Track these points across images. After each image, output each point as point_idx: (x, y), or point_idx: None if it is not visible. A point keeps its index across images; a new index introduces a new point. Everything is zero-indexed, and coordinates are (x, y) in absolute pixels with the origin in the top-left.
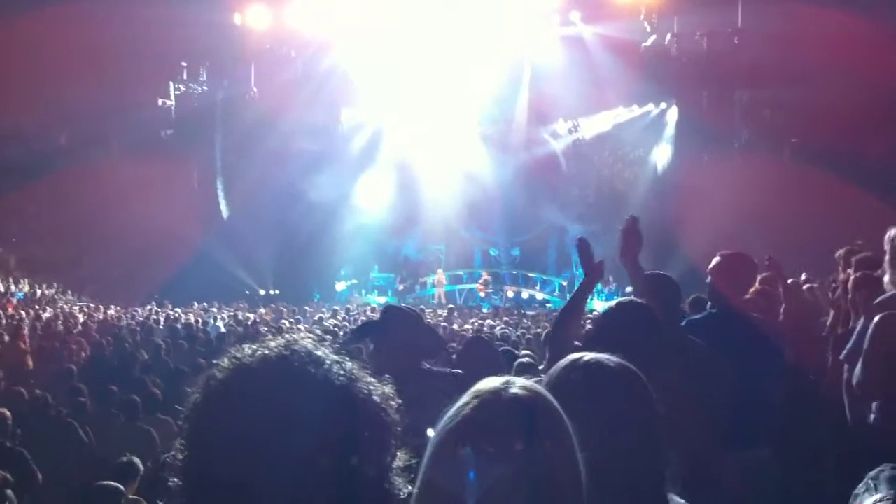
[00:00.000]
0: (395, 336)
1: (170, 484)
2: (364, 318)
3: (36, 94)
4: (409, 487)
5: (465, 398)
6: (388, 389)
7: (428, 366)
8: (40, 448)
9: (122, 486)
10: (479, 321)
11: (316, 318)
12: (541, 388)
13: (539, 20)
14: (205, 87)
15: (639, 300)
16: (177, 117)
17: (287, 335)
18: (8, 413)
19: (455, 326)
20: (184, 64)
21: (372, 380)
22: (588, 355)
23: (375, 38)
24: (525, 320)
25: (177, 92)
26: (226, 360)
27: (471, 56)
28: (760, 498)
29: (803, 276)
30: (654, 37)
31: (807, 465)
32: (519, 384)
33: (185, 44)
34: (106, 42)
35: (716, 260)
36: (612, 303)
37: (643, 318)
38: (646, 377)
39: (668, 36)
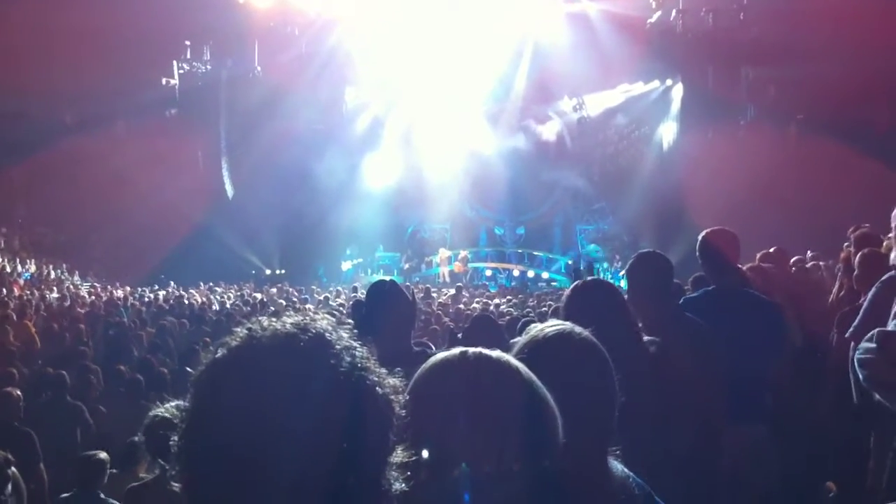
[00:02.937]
0: (385, 317)
1: (170, 444)
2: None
3: (41, 73)
4: (403, 485)
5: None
6: (397, 382)
7: (419, 348)
8: (47, 428)
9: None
10: (486, 300)
11: (322, 297)
12: (498, 355)
13: None
14: (209, 66)
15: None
16: (181, 96)
17: (306, 314)
18: (18, 393)
19: (461, 306)
20: (187, 43)
21: (382, 370)
22: (555, 325)
23: (379, 16)
24: (532, 299)
25: (181, 71)
26: (240, 330)
27: (475, 34)
28: (756, 473)
29: (809, 254)
30: (659, 13)
31: (806, 443)
32: (472, 352)
33: (189, 23)
34: (110, 22)
35: (701, 237)
36: (578, 283)
37: (610, 296)
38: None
39: (674, 12)
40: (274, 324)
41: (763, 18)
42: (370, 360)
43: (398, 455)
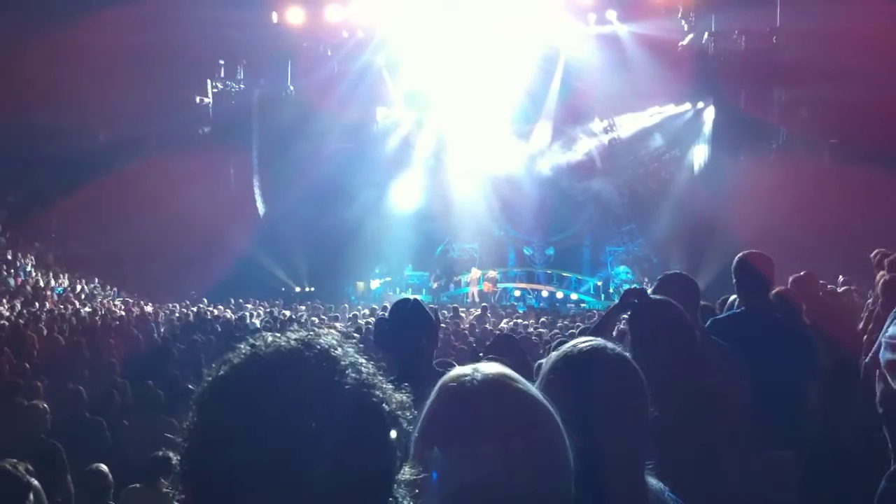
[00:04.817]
0: (407, 334)
1: (166, 461)
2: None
3: (76, 92)
4: (411, 503)
5: (433, 392)
6: (405, 398)
7: (441, 368)
8: (69, 443)
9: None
10: (515, 321)
11: (350, 315)
12: (509, 373)
13: (574, 18)
14: (242, 86)
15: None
16: (214, 115)
17: (311, 329)
18: (45, 406)
19: (488, 326)
20: (221, 62)
21: (387, 386)
22: (589, 341)
23: (410, 36)
24: (562, 320)
25: (214, 90)
26: (244, 346)
27: (505, 53)
28: (779, 499)
29: (840, 279)
30: (691, 35)
31: (832, 470)
32: (483, 371)
33: (223, 42)
34: (145, 42)
35: (737, 259)
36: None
37: (676, 318)
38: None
39: (706, 34)
40: (278, 339)
41: (796, 41)
42: (377, 375)
43: (406, 472)
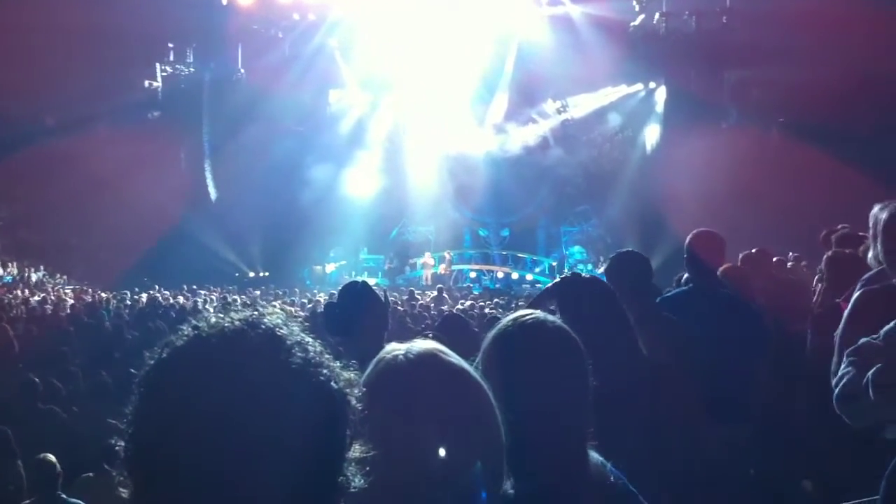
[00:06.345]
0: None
1: (117, 449)
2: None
3: (22, 76)
4: (362, 481)
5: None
6: (352, 376)
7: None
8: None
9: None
10: (470, 302)
11: (312, 300)
12: (440, 349)
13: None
14: (192, 69)
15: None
16: (164, 99)
17: (256, 309)
18: None
19: (444, 308)
20: (170, 45)
21: (335, 365)
22: (531, 313)
23: (362, 19)
24: (519, 301)
25: (163, 73)
26: (186, 328)
27: (458, 36)
28: (738, 473)
29: (790, 255)
30: (642, 16)
31: (787, 444)
32: (415, 348)
33: (172, 25)
34: (92, 24)
35: (689, 238)
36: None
37: (596, 289)
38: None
39: (657, 15)
40: (221, 320)
41: (746, 22)
42: (324, 354)
43: (355, 451)
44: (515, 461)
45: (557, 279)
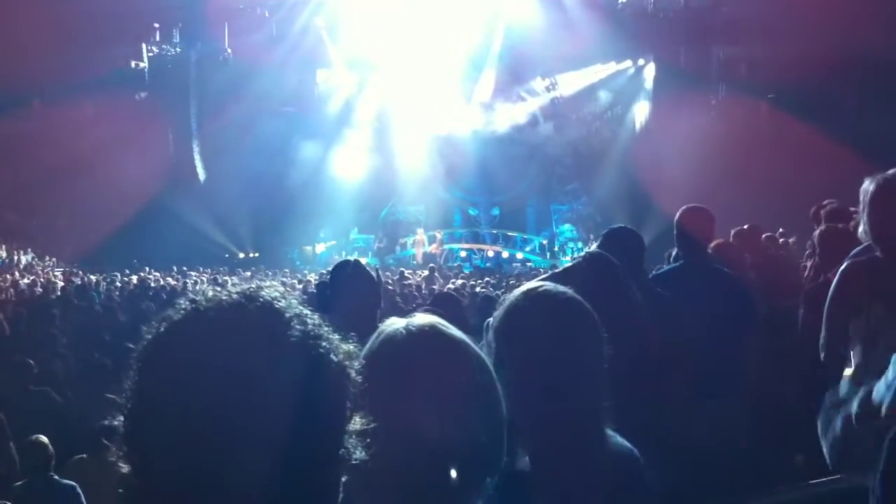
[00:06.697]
0: (349, 297)
1: (115, 425)
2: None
3: (8, 57)
4: (363, 453)
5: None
6: (352, 348)
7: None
8: (16, 415)
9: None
10: (462, 281)
11: (303, 281)
12: (441, 322)
13: None
14: (178, 49)
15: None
16: (150, 79)
17: (253, 283)
18: None
19: (436, 287)
20: (156, 25)
21: (334, 337)
22: (543, 285)
23: None
24: (510, 280)
25: (150, 54)
26: (184, 302)
27: (446, 14)
28: (728, 448)
29: (779, 231)
30: None
31: (777, 418)
32: (415, 321)
33: (158, 4)
34: (77, 4)
35: (678, 214)
36: (578, 257)
37: (607, 270)
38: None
39: None
40: (219, 293)
41: None
42: (322, 326)
43: (356, 423)
44: (527, 437)
45: (584, 254)
